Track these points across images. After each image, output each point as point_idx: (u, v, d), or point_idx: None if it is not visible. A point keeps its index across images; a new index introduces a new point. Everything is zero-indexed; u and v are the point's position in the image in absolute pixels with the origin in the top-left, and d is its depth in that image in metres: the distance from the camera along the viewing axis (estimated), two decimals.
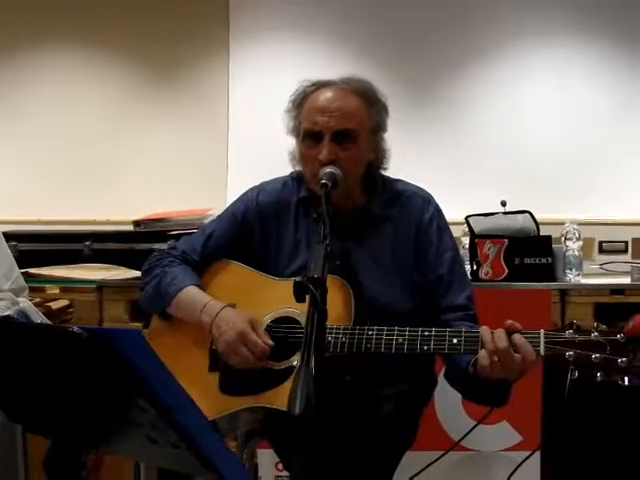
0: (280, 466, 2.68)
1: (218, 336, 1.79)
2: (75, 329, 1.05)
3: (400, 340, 1.67)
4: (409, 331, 1.68)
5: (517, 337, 1.59)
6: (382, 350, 1.68)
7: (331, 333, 1.69)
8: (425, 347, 1.66)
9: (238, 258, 1.98)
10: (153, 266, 1.99)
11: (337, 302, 1.74)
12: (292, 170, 2.01)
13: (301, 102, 1.87)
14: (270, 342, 1.75)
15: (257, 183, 2.06)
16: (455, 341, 1.65)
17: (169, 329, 1.97)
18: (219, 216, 2.06)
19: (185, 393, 1.12)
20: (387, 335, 1.68)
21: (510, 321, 1.62)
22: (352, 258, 1.88)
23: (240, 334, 1.75)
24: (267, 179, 2.07)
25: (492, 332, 1.61)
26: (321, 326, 1.41)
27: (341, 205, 1.85)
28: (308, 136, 1.83)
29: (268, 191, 2.00)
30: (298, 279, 1.45)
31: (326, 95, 1.84)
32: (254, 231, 1.97)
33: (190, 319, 1.88)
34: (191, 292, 1.89)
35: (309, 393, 1.30)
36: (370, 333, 1.69)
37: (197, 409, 1.14)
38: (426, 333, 1.67)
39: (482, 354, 1.61)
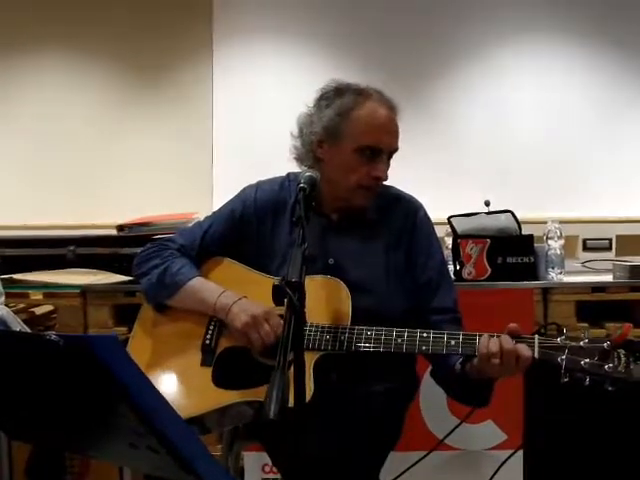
0: (267, 468, 2.68)
1: (237, 313, 1.82)
2: (52, 336, 1.05)
3: (399, 341, 1.73)
4: (408, 332, 1.73)
5: (516, 340, 1.66)
6: (381, 350, 1.73)
7: (330, 332, 1.75)
8: (424, 347, 1.72)
9: (232, 255, 2.00)
10: (151, 257, 2.00)
11: (334, 302, 1.79)
12: (289, 170, 2.04)
13: (347, 111, 1.87)
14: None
15: (244, 185, 2.08)
16: (453, 343, 1.71)
17: (162, 322, 1.98)
18: (215, 212, 2.07)
19: (162, 397, 1.12)
20: (386, 335, 1.74)
21: (514, 325, 1.68)
22: (345, 258, 1.92)
23: (254, 317, 1.79)
24: (253, 181, 2.08)
25: (497, 335, 1.67)
26: (299, 330, 1.42)
27: (338, 207, 1.93)
28: (366, 150, 1.86)
29: (266, 190, 2.03)
30: (276, 283, 1.47)
31: (383, 112, 1.88)
32: (251, 228, 2.00)
33: (201, 305, 1.90)
34: (204, 281, 1.93)
35: (284, 398, 1.32)
36: (369, 333, 1.75)
37: (175, 413, 1.14)
38: (424, 334, 1.73)
39: (482, 352, 1.66)
